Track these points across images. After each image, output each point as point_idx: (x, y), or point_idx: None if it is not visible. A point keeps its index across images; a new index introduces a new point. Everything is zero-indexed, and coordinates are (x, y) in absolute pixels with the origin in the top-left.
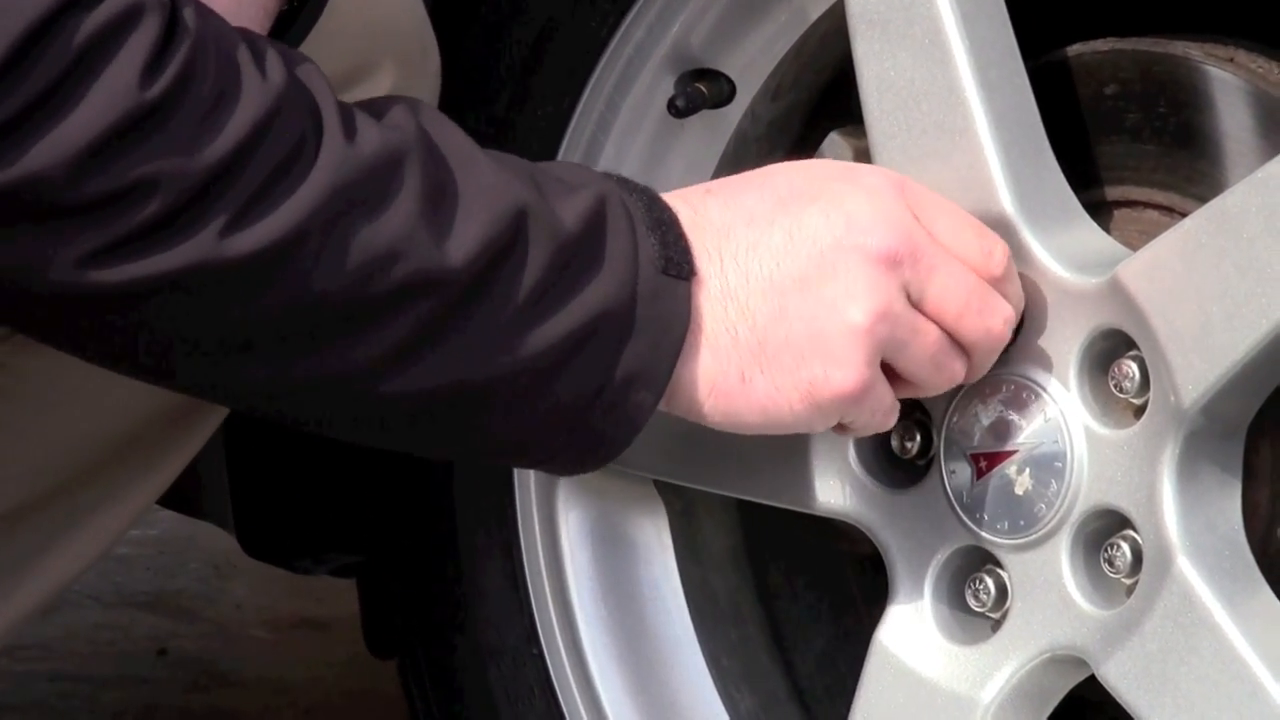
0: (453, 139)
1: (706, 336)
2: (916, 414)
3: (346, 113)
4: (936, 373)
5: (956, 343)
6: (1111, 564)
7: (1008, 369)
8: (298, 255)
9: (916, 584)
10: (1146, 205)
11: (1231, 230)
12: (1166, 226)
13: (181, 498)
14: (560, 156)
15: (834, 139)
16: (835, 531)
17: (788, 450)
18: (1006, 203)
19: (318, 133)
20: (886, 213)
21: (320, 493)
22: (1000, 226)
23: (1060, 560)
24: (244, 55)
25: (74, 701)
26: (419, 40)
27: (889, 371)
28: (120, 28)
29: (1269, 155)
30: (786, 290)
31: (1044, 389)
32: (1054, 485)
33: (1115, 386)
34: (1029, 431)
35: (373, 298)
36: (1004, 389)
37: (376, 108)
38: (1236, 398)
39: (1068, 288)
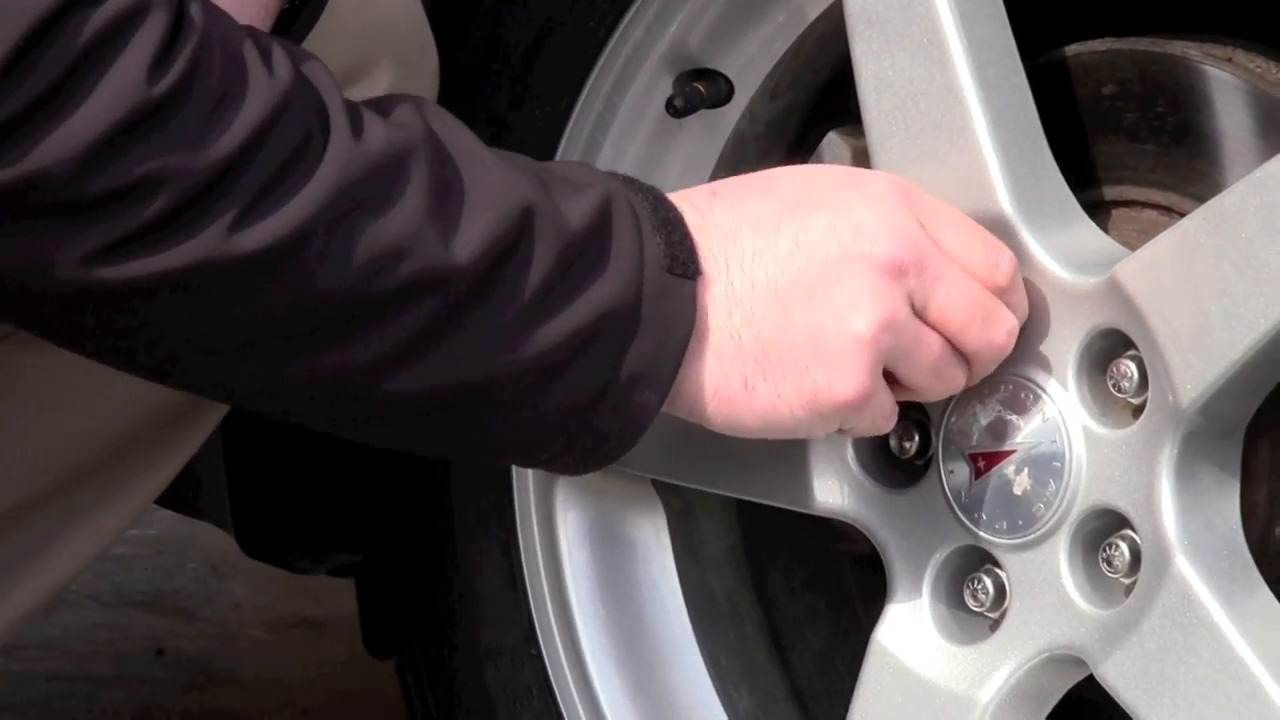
0: (459, 137)
1: (710, 342)
2: (915, 414)
3: (353, 110)
4: (937, 381)
5: (958, 351)
6: (1110, 564)
7: (1006, 369)
8: (303, 253)
9: (915, 584)
10: (1145, 205)
11: (1230, 230)
12: (1165, 226)
13: (179, 497)
14: (558, 156)
15: (832, 139)
16: (834, 531)
17: (786, 450)
18: (1005, 202)
19: (324, 130)
20: (893, 221)
21: (318, 493)
22: (999, 226)
23: (1059, 560)
24: (250, 52)
25: (72, 701)
26: (417, 40)
27: (888, 376)
28: (126, 24)
29: (1267, 155)
30: (791, 298)
31: (1042, 389)
32: (1052, 485)
33: (1114, 386)
34: (1027, 431)
35: (378, 295)
36: (1002, 389)
37: (382, 106)
38: (1235, 397)
39: (1066, 287)
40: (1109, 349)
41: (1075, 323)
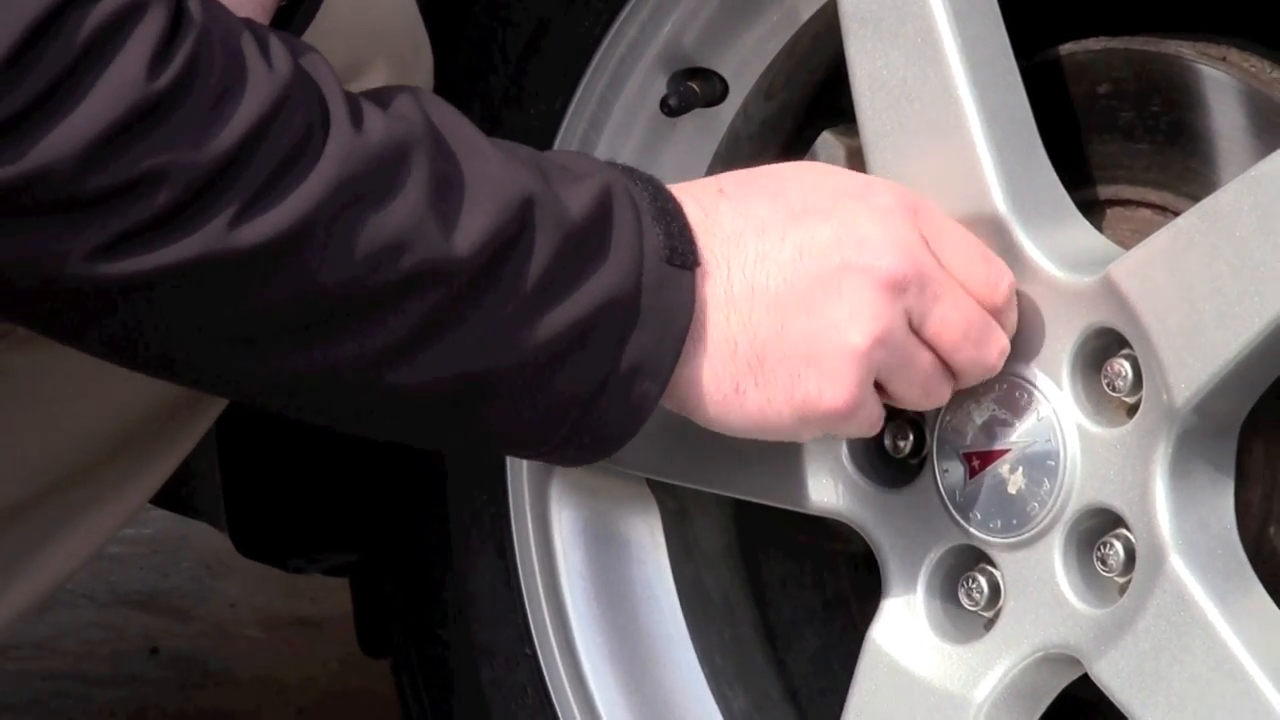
0: (459, 128)
1: (705, 344)
2: (909, 414)
3: (353, 102)
4: (923, 395)
5: (947, 367)
6: (1104, 563)
7: (1001, 368)
8: (305, 246)
9: (909, 583)
10: (1139, 204)
11: (1224, 229)
12: (1159, 225)
13: (174, 497)
14: None
15: (826, 138)
16: (828, 530)
17: (781, 450)
18: (999, 202)
19: (325, 123)
20: (898, 237)
21: (313, 492)
22: (993, 225)
23: (1053, 559)
24: (250, 45)
25: (67, 700)
26: (412, 39)
27: (874, 384)
28: (126, 20)
29: (1261, 154)
30: (790, 307)
31: (1036, 388)
32: (1047, 484)
33: (1108, 385)
34: (1021, 430)
35: (379, 289)
36: (996, 388)
37: (382, 97)
38: (1229, 396)
39: (1060, 286)
40: (1103, 348)
41: (1070, 322)
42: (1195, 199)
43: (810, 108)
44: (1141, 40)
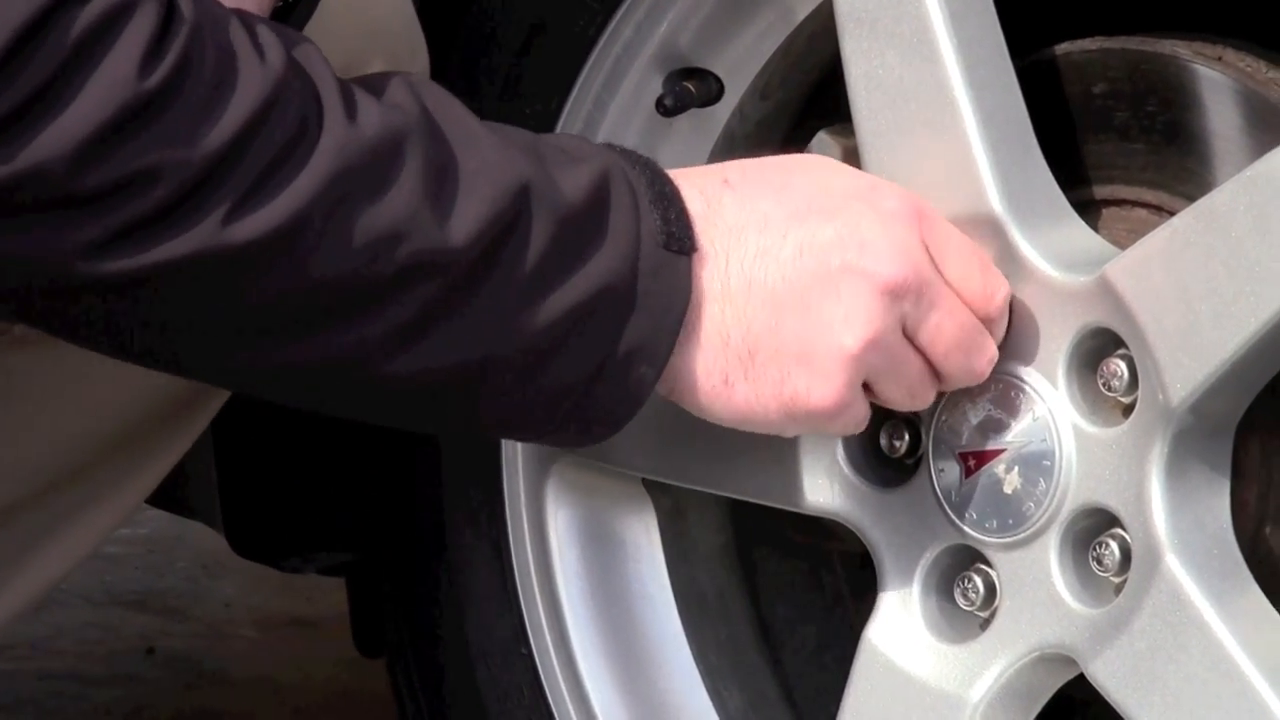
0: (454, 114)
1: (698, 334)
2: (904, 413)
3: (347, 93)
4: (909, 398)
5: (935, 372)
6: (1100, 562)
7: (996, 368)
8: (299, 241)
9: (905, 582)
10: (1135, 204)
11: (1220, 229)
12: (1155, 225)
13: (170, 497)
14: None
15: (822, 138)
16: (824, 530)
17: (777, 449)
18: (994, 201)
19: (318, 116)
20: (900, 242)
21: (309, 492)
22: (988, 225)
23: (1049, 559)
24: (242, 41)
25: (63, 700)
26: (408, 40)
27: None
28: (116, 19)
29: (1257, 154)
30: (786, 304)
31: (1032, 387)
32: (1042, 484)
33: (1104, 385)
34: (1017, 430)
35: (375, 280)
36: (992, 388)
37: (376, 84)
38: (1225, 396)
39: (1056, 286)
40: (1099, 348)
41: (1065, 321)
42: (1191, 199)
43: (806, 107)
44: (1137, 40)
